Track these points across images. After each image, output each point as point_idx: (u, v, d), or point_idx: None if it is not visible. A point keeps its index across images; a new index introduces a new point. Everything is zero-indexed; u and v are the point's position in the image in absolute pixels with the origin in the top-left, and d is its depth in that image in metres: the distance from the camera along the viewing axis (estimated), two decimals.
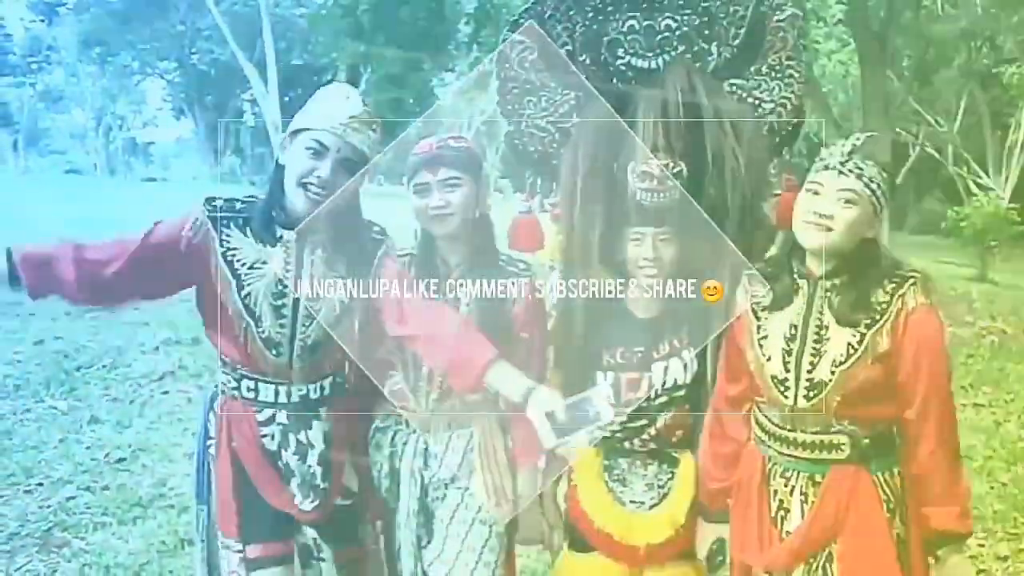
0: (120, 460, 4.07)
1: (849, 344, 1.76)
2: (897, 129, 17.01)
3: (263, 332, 1.98)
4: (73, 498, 3.66)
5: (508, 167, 2.33)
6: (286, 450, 2.04)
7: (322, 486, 2.06)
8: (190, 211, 1.95)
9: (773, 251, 2.01)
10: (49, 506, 3.56)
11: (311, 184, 1.92)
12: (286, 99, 27.02)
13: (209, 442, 2.10)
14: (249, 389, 2.03)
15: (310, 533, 2.08)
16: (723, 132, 2.03)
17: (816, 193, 1.78)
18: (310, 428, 2.07)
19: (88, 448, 4.18)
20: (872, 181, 1.76)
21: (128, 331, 5.92)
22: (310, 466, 2.06)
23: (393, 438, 2.11)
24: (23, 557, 3.17)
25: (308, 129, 1.94)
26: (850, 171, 1.76)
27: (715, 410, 2.03)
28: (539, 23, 2.18)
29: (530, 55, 2.20)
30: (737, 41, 2.15)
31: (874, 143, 1.85)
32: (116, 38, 27.28)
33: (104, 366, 5.26)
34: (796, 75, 2.15)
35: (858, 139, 1.80)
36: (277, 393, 2.03)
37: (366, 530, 2.24)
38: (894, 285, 1.77)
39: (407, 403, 2.08)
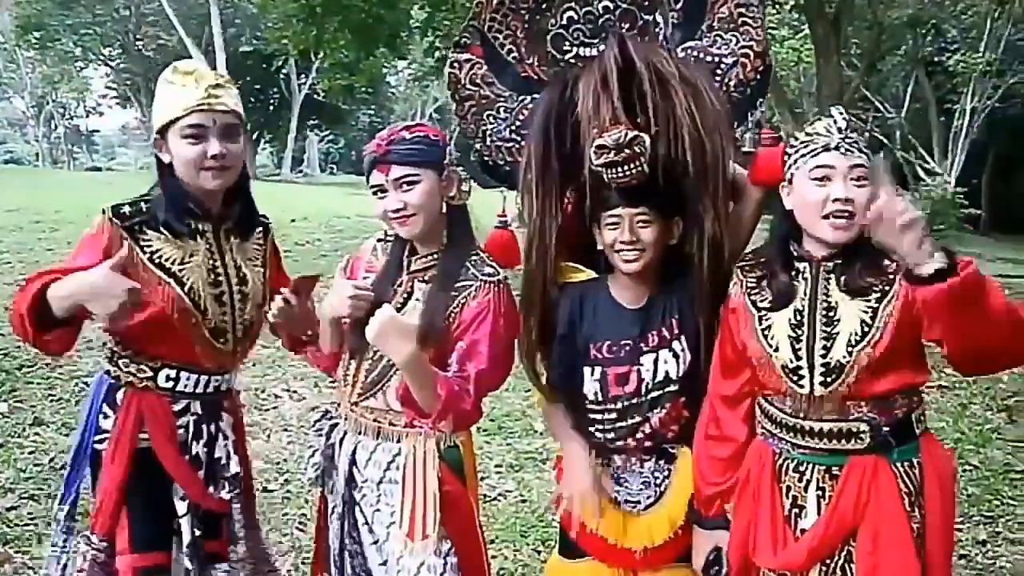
0: (65, 465, 3.85)
1: (862, 321, 1.67)
2: (849, 115, 17.24)
3: (210, 323, 1.98)
4: (15, 508, 3.45)
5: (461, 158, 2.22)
6: (197, 441, 2.04)
7: (237, 473, 2.09)
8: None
9: (767, 244, 1.91)
10: None
11: (211, 167, 1.93)
12: (236, 85, 26.54)
13: (100, 437, 1.99)
14: (168, 379, 1.99)
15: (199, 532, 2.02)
16: (672, 92, 1.93)
17: (827, 180, 1.68)
18: (220, 419, 2.10)
19: (31, 453, 3.96)
20: (866, 150, 1.71)
21: None
22: (218, 457, 2.08)
23: (331, 431, 2.03)
24: None
25: (177, 119, 1.93)
26: (852, 147, 1.68)
27: (710, 410, 1.93)
28: (479, 37, 2.13)
29: (479, 70, 2.15)
30: (680, 4, 2.08)
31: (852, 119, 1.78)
32: (56, 23, 26.33)
33: (47, 364, 4.99)
34: (751, 22, 2.06)
35: (842, 114, 1.73)
36: (197, 383, 2.02)
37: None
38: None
39: (340, 387, 2.03)
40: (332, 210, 12.49)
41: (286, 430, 4.45)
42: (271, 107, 31.59)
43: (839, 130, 1.70)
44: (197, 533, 2.00)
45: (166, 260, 1.95)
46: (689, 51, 2.07)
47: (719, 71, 2.06)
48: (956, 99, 21.12)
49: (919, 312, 1.61)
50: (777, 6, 15.19)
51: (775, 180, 1.85)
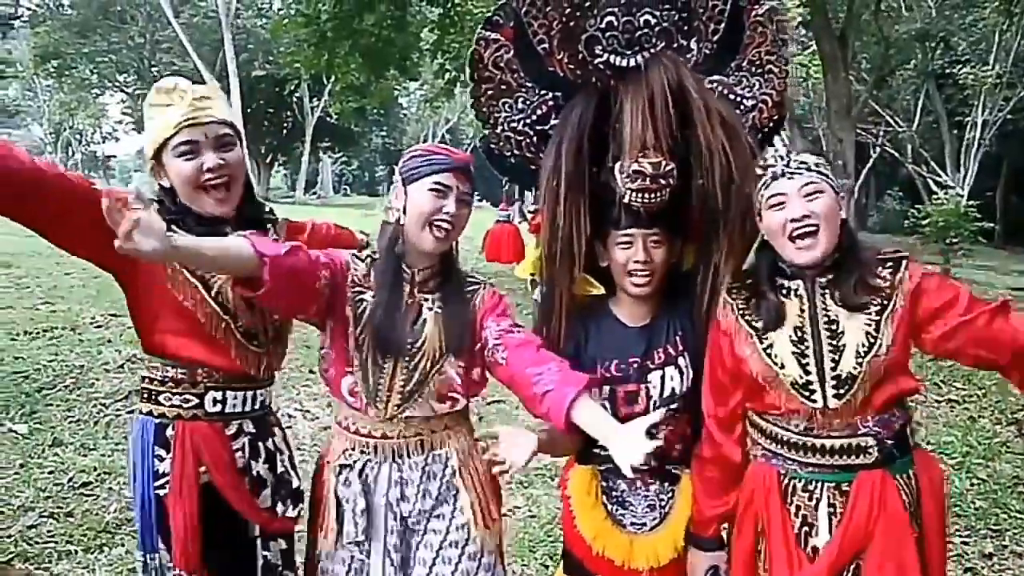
0: (85, 484, 3.90)
1: (868, 333, 1.74)
2: (858, 129, 17.23)
3: (241, 327, 1.93)
4: (35, 526, 3.50)
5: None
6: (256, 460, 1.98)
7: (299, 487, 2.03)
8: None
9: (748, 267, 1.96)
10: (10, 535, 3.40)
11: (208, 182, 1.87)
12: (249, 110, 26.83)
13: (160, 481, 1.88)
14: (216, 401, 1.93)
15: (276, 551, 2.00)
16: (712, 128, 1.95)
17: (782, 205, 1.78)
18: (273, 435, 2.05)
19: (51, 473, 4.00)
20: (818, 166, 1.80)
21: (91, 349, 5.75)
22: (282, 472, 2.02)
23: (363, 470, 1.93)
24: None
25: (168, 140, 1.86)
26: (798, 170, 1.78)
27: (705, 432, 1.96)
28: (514, 20, 2.05)
29: (506, 54, 2.08)
30: (717, 37, 2.09)
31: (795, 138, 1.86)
32: (73, 51, 26.73)
33: (66, 386, 5.07)
34: (776, 70, 2.10)
35: (782, 138, 1.88)
36: (244, 400, 1.97)
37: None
38: (890, 268, 1.78)
39: (362, 406, 1.91)
40: None
41: (299, 448, 4.50)
42: (284, 130, 31.86)
43: (781, 157, 1.81)
44: (268, 556, 1.97)
45: None
46: (715, 85, 2.09)
47: (738, 111, 2.08)
48: (967, 112, 21.05)
49: (919, 325, 1.75)
50: None
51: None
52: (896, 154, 22.75)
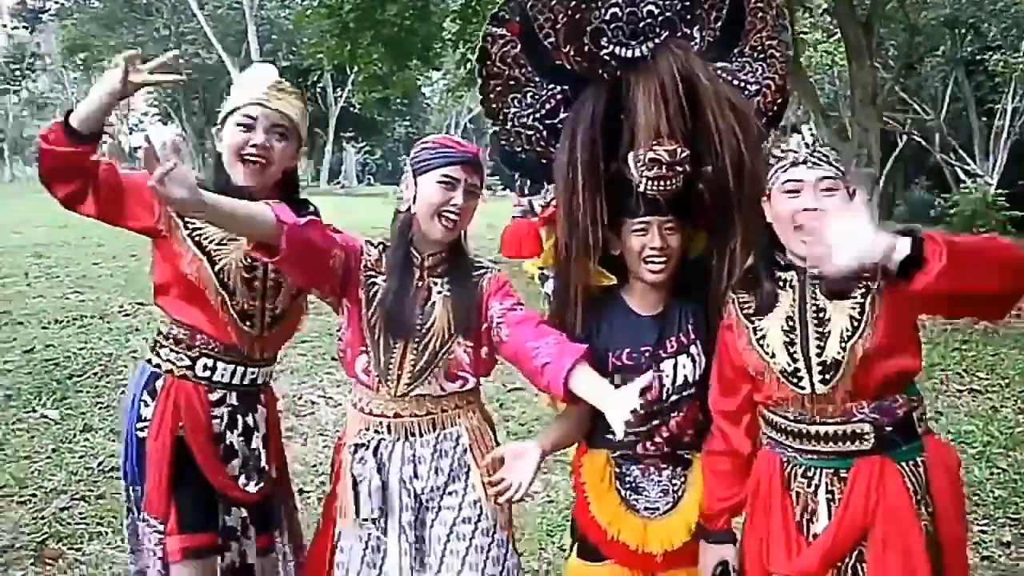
0: (114, 468, 3.98)
1: (852, 318, 1.73)
2: (885, 117, 17.01)
3: (237, 306, 2.06)
4: (67, 508, 3.61)
5: (495, 165, 2.24)
6: (232, 431, 2.11)
7: (264, 467, 2.15)
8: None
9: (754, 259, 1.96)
10: (43, 517, 3.52)
11: (248, 155, 2.03)
12: None
13: (142, 424, 2.06)
14: (206, 368, 2.08)
15: (237, 517, 2.12)
16: (723, 113, 1.96)
17: (796, 193, 1.77)
18: (255, 411, 2.17)
19: (81, 457, 4.13)
20: (837, 162, 1.79)
21: (120, 338, 5.88)
22: (255, 448, 2.14)
23: (377, 449, 1.99)
24: (17, 570, 3.12)
25: (235, 110, 2.06)
26: (819, 162, 1.77)
27: (713, 425, 1.99)
28: (520, 15, 2.05)
29: (513, 49, 2.08)
30: (719, 24, 2.10)
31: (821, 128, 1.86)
32: (100, 44, 27.01)
33: (96, 373, 5.21)
34: (778, 55, 2.11)
35: (810, 128, 1.82)
36: (234, 373, 2.10)
37: (279, 518, 2.28)
38: None
39: (374, 385, 1.98)
40: (370, 220, 12.63)
41: (322, 434, 4.58)
42: (308, 120, 31.96)
43: (807, 145, 1.80)
44: (228, 520, 2.09)
45: (204, 238, 2.03)
46: (719, 71, 2.08)
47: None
48: (997, 99, 20.68)
49: (910, 298, 1.63)
50: (809, 10, 15.12)
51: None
52: (923, 142, 22.36)
